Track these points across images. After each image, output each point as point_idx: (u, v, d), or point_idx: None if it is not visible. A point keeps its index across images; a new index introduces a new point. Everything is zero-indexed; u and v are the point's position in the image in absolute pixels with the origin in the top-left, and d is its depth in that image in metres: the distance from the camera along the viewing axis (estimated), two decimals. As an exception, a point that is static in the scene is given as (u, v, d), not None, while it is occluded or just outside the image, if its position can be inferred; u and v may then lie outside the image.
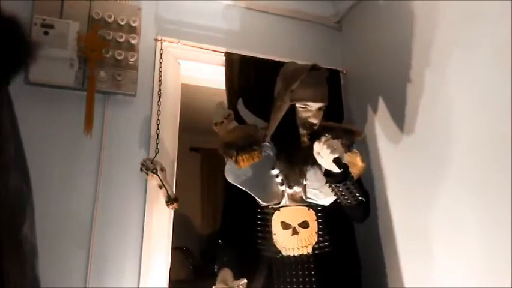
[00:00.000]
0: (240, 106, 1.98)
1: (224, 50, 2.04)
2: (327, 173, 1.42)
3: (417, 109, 1.70)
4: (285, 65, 1.68)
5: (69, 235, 1.64)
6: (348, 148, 1.56)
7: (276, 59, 2.10)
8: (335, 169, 1.36)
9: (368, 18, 2.12)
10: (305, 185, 1.56)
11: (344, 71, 2.26)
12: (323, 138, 1.38)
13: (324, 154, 1.37)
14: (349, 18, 2.31)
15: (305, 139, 1.51)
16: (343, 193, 1.44)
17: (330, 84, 1.61)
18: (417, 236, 1.64)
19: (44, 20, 1.67)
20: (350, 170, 1.45)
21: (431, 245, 1.56)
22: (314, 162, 1.48)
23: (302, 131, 1.54)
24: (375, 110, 1.99)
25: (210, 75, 2.15)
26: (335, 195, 1.48)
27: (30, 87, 1.66)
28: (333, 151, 1.35)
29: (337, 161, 1.35)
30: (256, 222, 1.59)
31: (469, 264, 1.38)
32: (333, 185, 1.43)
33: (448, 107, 1.53)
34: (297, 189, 1.56)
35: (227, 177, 1.58)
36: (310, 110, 1.51)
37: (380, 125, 1.95)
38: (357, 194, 1.45)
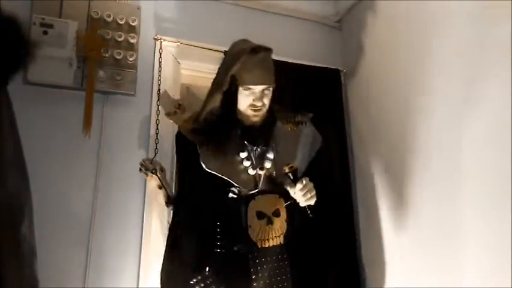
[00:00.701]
0: None
1: (224, 49, 2.03)
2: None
3: (418, 108, 1.70)
4: (234, 43, 1.64)
5: (68, 235, 1.63)
6: (305, 123, 1.63)
7: (276, 58, 2.08)
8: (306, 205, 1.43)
9: (368, 18, 2.11)
10: (273, 160, 1.52)
11: (344, 70, 2.26)
12: (299, 185, 1.42)
13: (299, 198, 1.43)
14: (349, 17, 2.30)
15: (254, 119, 1.50)
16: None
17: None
18: (413, 235, 1.64)
19: (43, 19, 1.66)
20: None
21: (430, 245, 1.57)
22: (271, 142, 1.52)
23: (246, 113, 1.50)
24: (375, 109, 1.99)
25: (209, 74, 2.14)
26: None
27: (29, 87, 1.65)
28: (308, 199, 1.42)
29: (310, 208, 1.43)
30: (229, 216, 1.50)
31: (469, 264, 1.38)
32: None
33: (450, 106, 1.53)
34: (267, 165, 1.51)
35: (206, 166, 1.49)
36: (253, 92, 1.48)
37: (380, 124, 1.94)
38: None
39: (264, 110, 1.50)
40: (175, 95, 1.99)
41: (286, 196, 1.51)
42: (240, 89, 1.48)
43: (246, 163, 1.50)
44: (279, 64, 2.05)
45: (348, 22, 2.33)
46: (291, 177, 1.44)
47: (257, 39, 2.16)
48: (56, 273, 1.56)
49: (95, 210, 1.68)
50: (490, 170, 1.33)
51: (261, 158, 1.52)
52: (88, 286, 1.61)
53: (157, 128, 1.83)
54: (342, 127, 2.15)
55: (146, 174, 1.70)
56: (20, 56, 0.88)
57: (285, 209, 1.52)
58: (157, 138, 1.80)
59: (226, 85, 1.47)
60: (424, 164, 1.64)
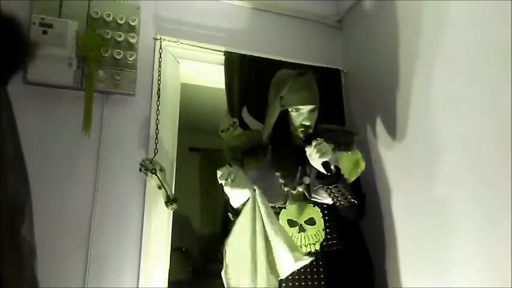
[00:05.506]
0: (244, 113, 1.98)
1: (224, 49, 2.03)
2: (320, 175, 1.47)
3: (419, 108, 1.70)
4: (275, 74, 1.72)
5: (68, 235, 1.63)
6: (348, 147, 1.62)
7: (277, 58, 2.09)
8: (324, 172, 1.42)
9: (369, 18, 2.11)
10: (307, 184, 1.58)
11: (345, 70, 2.26)
12: (314, 142, 1.44)
13: (314, 157, 1.43)
14: (350, 17, 2.30)
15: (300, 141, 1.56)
16: (335, 195, 1.50)
17: (321, 85, 1.66)
18: (418, 237, 1.64)
19: (42, 19, 1.66)
20: (349, 170, 1.54)
21: (431, 247, 1.56)
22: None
23: (297, 134, 1.58)
24: (376, 109, 1.98)
25: (209, 74, 2.14)
26: (328, 196, 1.52)
27: (29, 87, 1.65)
28: (322, 155, 1.41)
29: (325, 165, 1.42)
30: None
31: (469, 264, 1.38)
32: (324, 187, 1.48)
33: (450, 106, 1.53)
34: (300, 189, 1.58)
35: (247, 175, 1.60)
36: (302, 113, 1.57)
37: (381, 124, 1.94)
38: (349, 196, 1.50)
39: (311, 130, 1.57)
40: (175, 95, 2.00)
41: (322, 206, 1.57)
42: (289, 110, 1.57)
43: (282, 180, 1.59)
44: (279, 64, 2.06)
45: (348, 22, 2.33)
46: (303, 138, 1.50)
47: (257, 39, 2.18)
48: (56, 273, 1.56)
49: (95, 210, 1.68)
50: (489, 168, 1.33)
51: (292, 178, 1.59)
52: (88, 286, 1.60)
53: (157, 128, 1.82)
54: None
55: (146, 174, 1.70)
56: (19, 56, 0.88)
57: (322, 219, 1.56)
58: (156, 138, 1.80)
59: (279, 107, 1.57)
60: (426, 163, 1.64)
